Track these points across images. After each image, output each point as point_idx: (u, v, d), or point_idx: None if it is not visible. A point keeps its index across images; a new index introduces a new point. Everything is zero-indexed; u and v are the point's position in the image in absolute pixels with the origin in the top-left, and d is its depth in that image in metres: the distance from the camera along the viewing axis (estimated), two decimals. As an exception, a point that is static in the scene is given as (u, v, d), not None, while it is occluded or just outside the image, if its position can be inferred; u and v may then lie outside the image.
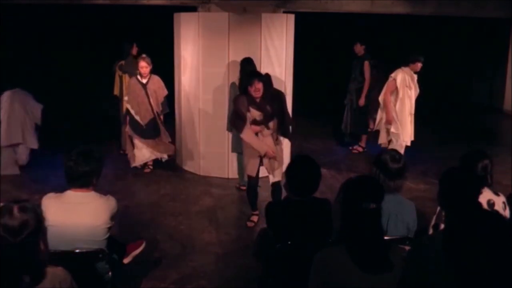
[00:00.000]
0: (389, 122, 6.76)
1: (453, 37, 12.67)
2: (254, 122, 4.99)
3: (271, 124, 5.05)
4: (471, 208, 2.66)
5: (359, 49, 8.20)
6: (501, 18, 10.90)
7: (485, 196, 3.42)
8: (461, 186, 2.76)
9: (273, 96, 5.08)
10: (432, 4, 9.77)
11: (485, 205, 3.39)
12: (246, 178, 6.12)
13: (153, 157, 7.11)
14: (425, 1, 9.69)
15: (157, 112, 6.88)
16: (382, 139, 6.97)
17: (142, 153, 7.00)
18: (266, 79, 5.09)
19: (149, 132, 6.87)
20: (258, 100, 4.96)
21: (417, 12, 9.81)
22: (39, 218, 2.29)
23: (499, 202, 3.53)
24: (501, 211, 3.47)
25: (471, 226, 2.07)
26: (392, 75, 6.76)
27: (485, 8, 10.17)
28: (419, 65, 6.79)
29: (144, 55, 6.81)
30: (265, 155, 5.06)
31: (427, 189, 6.51)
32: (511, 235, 2.01)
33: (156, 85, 6.86)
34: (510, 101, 12.20)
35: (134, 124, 6.84)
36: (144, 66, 6.69)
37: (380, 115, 6.99)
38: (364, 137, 8.43)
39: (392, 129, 6.75)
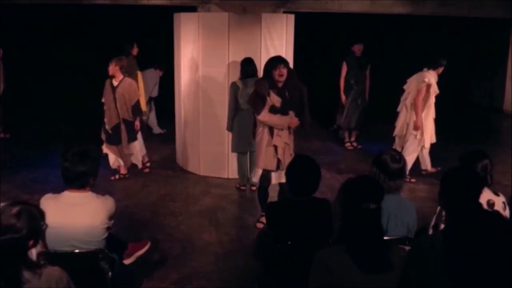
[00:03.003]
0: (417, 128, 6.50)
1: (453, 37, 12.67)
2: (273, 109, 4.88)
3: (289, 114, 4.93)
4: (472, 208, 2.66)
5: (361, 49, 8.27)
6: (501, 18, 10.90)
7: (485, 196, 3.41)
8: (462, 186, 2.76)
9: (295, 87, 4.98)
10: (432, 4, 9.77)
11: (485, 205, 3.39)
12: (255, 179, 5.98)
13: (117, 164, 6.77)
14: (425, 1, 9.70)
15: (123, 119, 6.51)
16: (401, 144, 6.76)
17: (110, 157, 6.72)
18: (290, 69, 5.02)
19: (113, 137, 6.57)
20: (280, 85, 4.89)
21: (417, 12, 9.82)
22: (35, 229, 2.29)
23: (499, 202, 3.53)
24: (501, 211, 3.47)
25: (471, 226, 2.07)
26: (426, 79, 6.42)
27: (485, 8, 10.18)
28: (442, 68, 6.62)
29: (117, 58, 6.50)
30: (289, 128, 4.92)
31: (427, 189, 6.51)
32: (511, 235, 2.01)
33: (126, 89, 6.44)
34: (510, 101, 12.20)
35: (104, 127, 6.63)
36: (110, 66, 6.39)
37: (405, 119, 6.69)
38: (355, 133, 8.59)
39: (418, 136, 6.54)
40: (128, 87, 6.48)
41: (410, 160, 6.44)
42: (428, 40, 12.76)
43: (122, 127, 6.56)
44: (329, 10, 9.23)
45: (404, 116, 6.72)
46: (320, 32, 12.80)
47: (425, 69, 6.57)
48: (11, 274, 2.18)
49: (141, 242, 3.98)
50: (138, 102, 6.60)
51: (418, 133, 6.53)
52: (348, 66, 8.25)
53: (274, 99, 4.87)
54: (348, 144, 8.57)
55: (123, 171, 6.84)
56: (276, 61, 4.87)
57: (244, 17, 6.60)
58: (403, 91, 6.82)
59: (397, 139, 6.91)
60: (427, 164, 6.93)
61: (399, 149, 6.76)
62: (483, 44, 12.79)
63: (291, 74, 4.95)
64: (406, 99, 6.69)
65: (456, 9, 9.94)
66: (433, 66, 6.53)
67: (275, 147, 4.97)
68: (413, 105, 6.54)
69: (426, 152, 6.84)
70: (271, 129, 4.96)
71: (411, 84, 6.65)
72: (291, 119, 4.89)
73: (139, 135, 6.85)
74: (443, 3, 9.77)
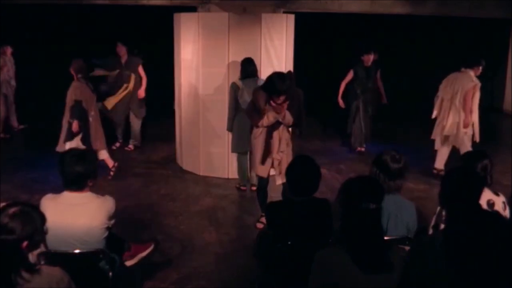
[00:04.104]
0: (466, 125, 6.73)
1: (453, 37, 12.67)
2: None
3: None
4: (472, 208, 2.66)
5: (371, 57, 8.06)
6: (501, 18, 10.90)
7: (485, 196, 3.40)
8: (462, 186, 2.76)
9: (292, 95, 4.93)
10: (432, 4, 9.78)
11: (485, 205, 3.38)
12: (252, 180, 6.12)
13: None
14: (425, 1, 9.70)
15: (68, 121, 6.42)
16: (453, 143, 6.94)
17: None
18: (289, 78, 4.88)
19: None
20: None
21: (417, 12, 9.82)
22: (26, 230, 2.28)
23: (499, 202, 3.52)
24: (501, 211, 3.46)
25: (471, 226, 2.07)
26: (474, 79, 6.70)
27: (485, 8, 10.18)
28: (480, 69, 6.85)
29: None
30: (283, 116, 4.86)
31: (427, 189, 6.51)
32: (511, 235, 2.01)
33: (68, 91, 6.45)
34: (510, 101, 12.20)
35: None
36: None
37: (454, 118, 6.82)
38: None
39: (469, 132, 6.79)
40: (69, 90, 6.42)
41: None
42: (428, 40, 12.76)
43: (63, 127, 6.45)
44: (329, 10, 9.23)
45: (453, 116, 6.82)
46: (320, 32, 12.80)
47: (462, 69, 6.78)
48: (5, 275, 2.18)
49: (145, 244, 3.98)
50: (74, 105, 6.33)
51: (468, 130, 6.76)
52: (355, 76, 8.05)
53: (271, 110, 4.87)
54: (359, 149, 8.33)
55: (109, 165, 6.81)
56: (279, 90, 4.69)
57: (244, 17, 6.60)
58: (437, 90, 6.99)
59: (438, 139, 7.02)
60: (442, 163, 7.01)
61: (447, 148, 6.96)
62: (483, 44, 12.79)
63: (290, 81, 4.91)
64: (454, 99, 6.79)
65: (456, 9, 9.93)
66: (470, 66, 6.75)
67: (270, 143, 4.98)
68: (463, 104, 6.70)
69: (447, 151, 6.98)
70: (268, 132, 4.99)
71: (456, 84, 6.76)
72: (280, 114, 4.83)
73: (77, 142, 6.40)
74: (443, 3, 9.77)
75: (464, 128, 6.75)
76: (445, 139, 6.98)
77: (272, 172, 5.27)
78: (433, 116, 7.06)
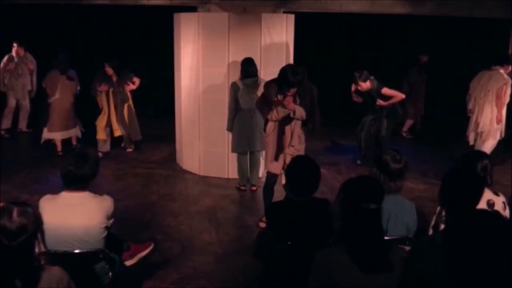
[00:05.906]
0: (498, 121, 7.05)
1: (453, 37, 12.66)
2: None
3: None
4: (472, 208, 2.66)
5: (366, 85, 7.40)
6: (501, 18, 10.89)
7: (485, 196, 3.39)
8: (462, 186, 2.76)
9: (305, 89, 4.92)
10: (432, 4, 9.77)
11: (485, 205, 3.38)
12: (252, 180, 6.12)
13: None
14: (425, 1, 9.69)
15: None
16: (494, 138, 7.18)
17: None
18: (301, 74, 4.82)
19: None
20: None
21: (417, 12, 9.81)
22: (38, 223, 2.35)
23: (499, 202, 3.52)
24: (501, 211, 3.46)
25: (471, 226, 2.07)
26: (505, 76, 6.99)
27: (485, 8, 10.17)
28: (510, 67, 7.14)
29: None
30: (293, 113, 4.81)
31: (427, 189, 6.51)
32: (511, 235, 2.01)
33: None
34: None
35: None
36: None
37: (489, 117, 7.05)
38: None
39: (499, 128, 7.08)
40: None
41: (491, 147, 7.12)
42: (427, 40, 12.75)
43: None
44: (329, 10, 9.22)
45: (487, 112, 7.06)
46: (320, 32, 12.79)
47: (493, 67, 7.08)
48: (27, 274, 2.19)
49: (144, 244, 3.98)
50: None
51: (499, 126, 7.07)
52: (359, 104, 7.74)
53: (280, 104, 4.85)
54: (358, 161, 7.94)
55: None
56: (290, 82, 4.64)
57: (244, 17, 6.60)
58: (467, 89, 7.27)
59: (472, 135, 7.25)
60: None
61: (484, 142, 7.13)
62: (483, 44, 12.78)
63: (303, 76, 4.89)
64: (487, 96, 7.03)
65: (456, 9, 9.92)
66: (501, 64, 7.06)
67: (282, 139, 4.95)
68: (496, 100, 6.98)
69: (488, 145, 7.22)
70: (280, 127, 4.95)
71: (489, 83, 7.03)
72: (287, 103, 4.77)
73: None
74: (443, 3, 9.76)
75: (496, 124, 7.03)
76: (479, 135, 7.19)
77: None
78: (468, 114, 7.32)
